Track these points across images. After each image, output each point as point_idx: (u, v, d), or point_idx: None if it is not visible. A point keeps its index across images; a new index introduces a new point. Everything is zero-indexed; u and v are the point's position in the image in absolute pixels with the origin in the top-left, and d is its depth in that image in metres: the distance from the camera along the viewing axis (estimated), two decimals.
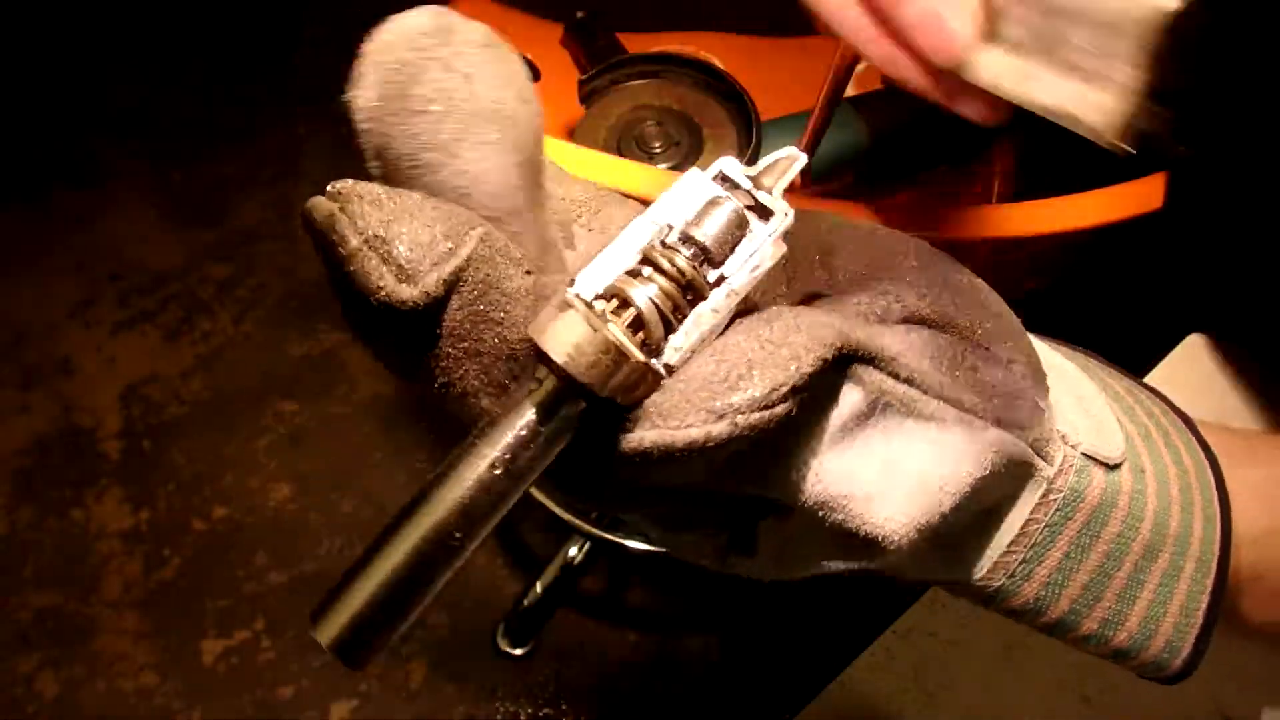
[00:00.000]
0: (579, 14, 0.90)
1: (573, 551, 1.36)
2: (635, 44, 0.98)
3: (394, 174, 0.27)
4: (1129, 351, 0.67)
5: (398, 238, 0.24)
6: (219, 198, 1.82)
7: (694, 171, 0.28)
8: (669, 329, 0.26)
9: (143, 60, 1.99)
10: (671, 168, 0.83)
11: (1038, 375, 0.32)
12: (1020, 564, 0.33)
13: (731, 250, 0.27)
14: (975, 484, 0.29)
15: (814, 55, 1.08)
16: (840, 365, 0.27)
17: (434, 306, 0.25)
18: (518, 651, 1.37)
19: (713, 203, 0.27)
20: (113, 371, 1.63)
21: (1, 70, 1.95)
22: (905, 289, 0.30)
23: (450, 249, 0.25)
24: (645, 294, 0.25)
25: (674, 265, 0.26)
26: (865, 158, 0.94)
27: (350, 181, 0.25)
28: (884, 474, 0.28)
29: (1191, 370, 0.64)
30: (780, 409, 0.25)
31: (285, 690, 1.35)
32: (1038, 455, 0.31)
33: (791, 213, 0.27)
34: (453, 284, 0.25)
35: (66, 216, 1.80)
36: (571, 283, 0.26)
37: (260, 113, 1.91)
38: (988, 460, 0.29)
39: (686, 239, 0.27)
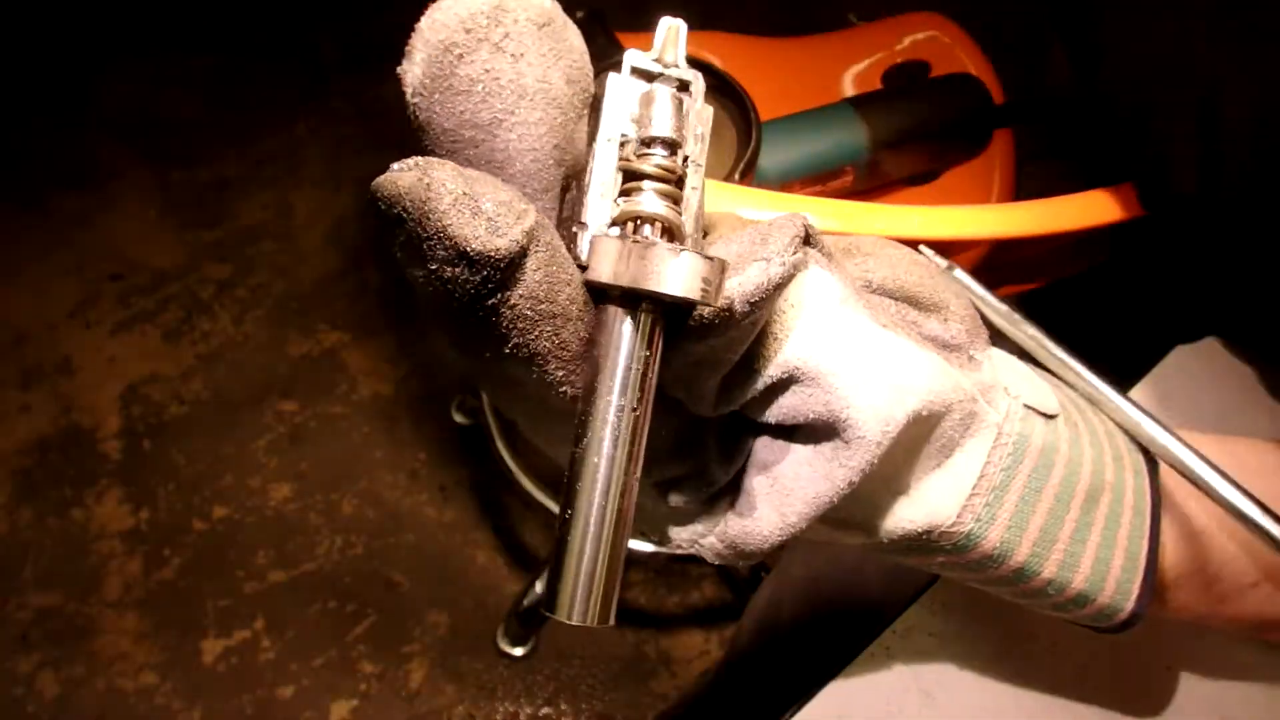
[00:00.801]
0: (579, 14, 0.91)
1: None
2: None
3: (436, 147, 0.29)
4: (1129, 351, 0.67)
5: (482, 196, 0.26)
6: (219, 198, 1.83)
7: (613, 77, 0.29)
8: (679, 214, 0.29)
9: (143, 60, 1.99)
10: None
11: (974, 331, 0.36)
12: (984, 506, 0.36)
13: (685, 127, 0.29)
14: (930, 399, 0.32)
15: (814, 55, 1.08)
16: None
17: (518, 259, 0.26)
18: (518, 651, 1.37)
19: (648, 97, 0.29)
20: (113, 371, 1.63)
21: (1, 70, 1.95)
22: (867, 259, 0.35)
23: (525, 209, 0.26)
24: (657, 205, 0.28)
25: (658, 168, 0.28)
26: (864, 157, 0.94)
27: (417, 157, 0.27)
28: (861, 364, 0.31)
29: (1193, 371, 0.64)
30: (799, 256, 0.29)
31: (285, 690, 1.35)
32: (984, 400, 0.35)
33: (700, 75, 0.30)
34: (528, 243, 0.26)
35: (66, 217, 1.80)
36: (583, 225, 0.29)
37: (260, 113, 1.91)
38: (938, 378, 0.33)
39: (649, 141, 0.29)
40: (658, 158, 0.29)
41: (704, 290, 0.26)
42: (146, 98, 1.95)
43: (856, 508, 0.35)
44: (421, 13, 0.30)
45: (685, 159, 0.29)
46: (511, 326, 0.27)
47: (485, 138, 0.29)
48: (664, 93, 0.29)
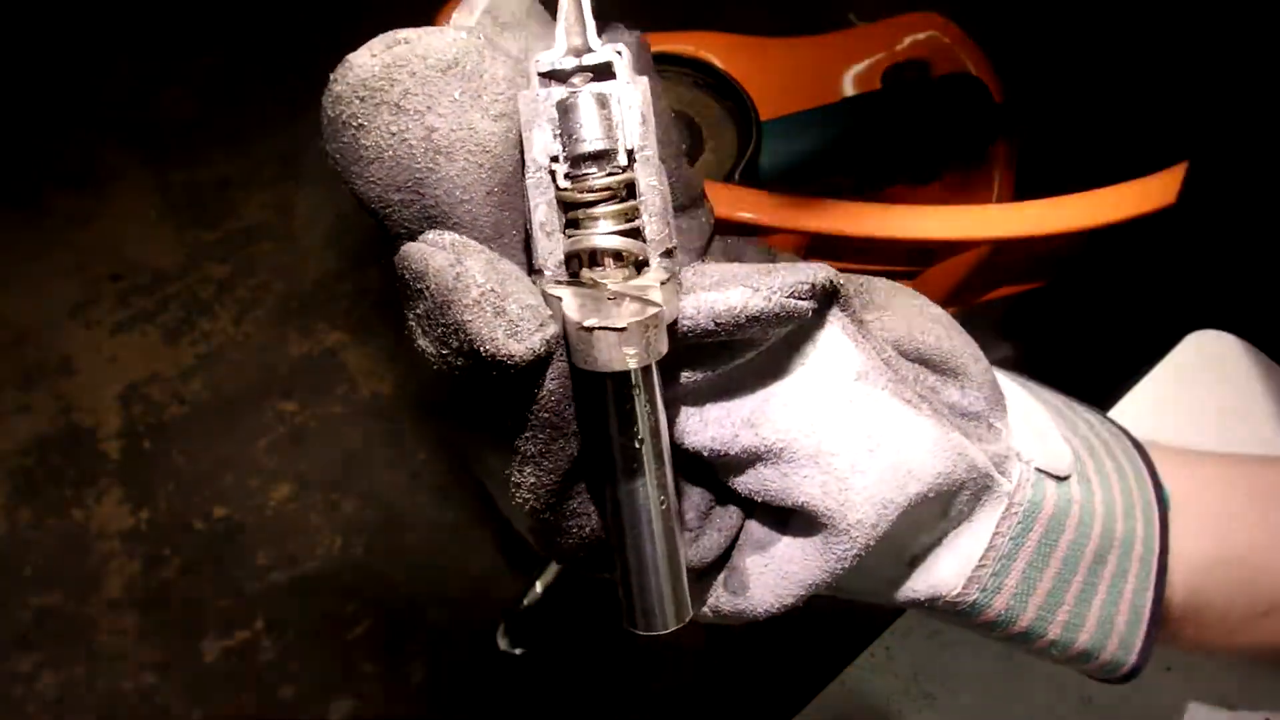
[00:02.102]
0: None
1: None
2: None
3: (371, 214, 0.28)
4: (1129, 351, 0.67)
5: (510, 296, 0.25)
6: (219, 198, 1.82)
7: (522, 96, 0.27)
8: (639, 233, 0.27)
9: (142, 60, 1.99)
10: None
11: (993, 400, 0.34)
12: (991, 576, 0.34)
13: (616, 126, 0.26)
14: (939, 482, 0.31)
15: (814, 55, 1.08)
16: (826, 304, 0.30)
17: (535, 369, 0.25)
18: (518, 651, 1.37)
19: (565, 107, 0.26)
20: (113, 371, 1.63)
21: (1, 70, 1.95)
22: (881, 314, 0.33)
23: (550, 316, 0.25)
24: (604, 237, 0.26)
25: (598, 192, 0.26)
26: (863, 157, 0.94)
27: (454, 236, 0.26)
28: (866, 446, 0.30)
29: (1196, 366, 0.64)
30: (804, 305, 0.27)
31: (285, 690, 1.35)
32: (997, 471, 0.34)
33: (620, 45, 0.27)
34: (547, 352, 0.25)
35: (66, 217, 1.80)
36: (538, 271, 0.27)
37: (260, 113, 1.91)
38: (951, 460, 0.31)
39: (579, 159, 0.26)
40: (593, 178, 0.26)
41: (632, 356, 0.24)
42: (146, 98, 1.95)
43: (857, 580, 0.33)
44: (406, 20, 0.30)
45: (629, 155, 0.27)
46: (512, 425, 0.27)
47: (412, 198, 0.27)
48: (582, 99, 0.26)
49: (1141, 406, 0.63)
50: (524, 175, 0.27)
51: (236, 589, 1.42)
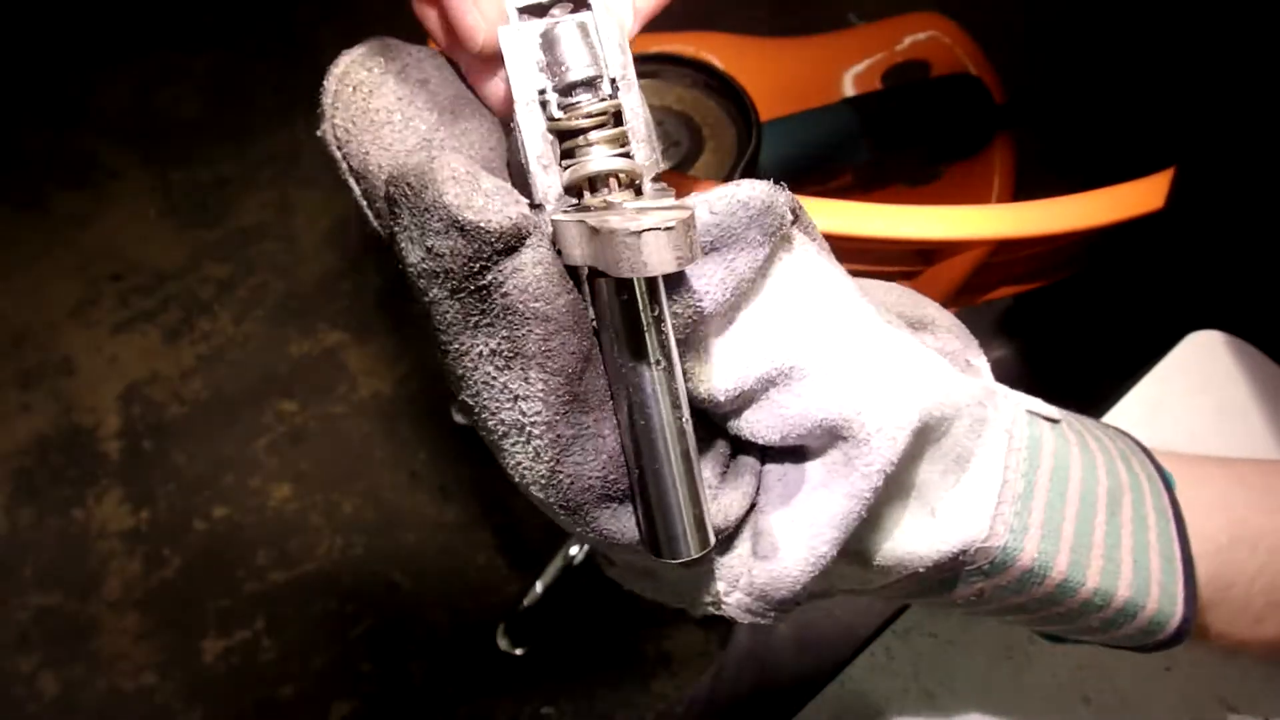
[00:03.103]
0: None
1: (573, 551, 1.36)
2: (635, 44, 0.98)
3: (376, 187, 0.29)
4: (1129, 351, 0.67)
5: (482, 177, 0.26)
6: (219, 198, 1.82)
7: (503, 31, 0.27)
8: (629, 158, 0.27)
9: (142, 60, 1.99)
10: (671, 168, 0.83)
11: (966, 340, 0.36)
12: (1014, 515, 0.34)
13: (599, 55, 0.27)
14: (940, 400, 0.31)
15: (814, 55, 1.08)
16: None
17: (513, 241, 0.25)
18: (518, 651, 1.37)
19: (549, 39, 0.27)
20: (113, 371, 1.63)
21: (1, 70, 1.95)
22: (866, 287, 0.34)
23: (523, 200, 0.26)
24: (604, 161, 0.27)
25: (591, 117, 0.27)
26: (864, 158, 0.94)
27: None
28: (873, 358, 0.30)
29: (1196, 367, 0.64)
30: (781, 196, 0.28)
31: (285, 690, 1.35)
32: (989, 402, 0.34)
33: None
34: (526, 234, 0.26)
35: (66, 216, 1.80)
36: (538, 206, 0.27)
37: (260, 113, 1.91)
38: (945, 381, 0.32)
39: (569, 88, 0.27)
40: (586, 104, 0.27)
41: (679, 259, 0.24)
42: (146, 97, 1.95)
43: (883, 536, 0.33)
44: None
45: (613, 84, 0.28)
46: (501, 316, 0.26)
47: (422, 159, 0.28)
48: (565, 27, 0.27)
49: (1141, 406, 0.63)
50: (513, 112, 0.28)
51: (236, 589, 1.42)
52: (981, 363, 0.36)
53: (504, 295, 0.26)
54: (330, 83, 0.29)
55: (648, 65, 0.88)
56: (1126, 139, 0.91)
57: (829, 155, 0.93)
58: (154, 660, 1.37)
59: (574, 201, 0.27)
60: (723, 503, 0.31)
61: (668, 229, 0.24)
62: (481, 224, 0.25)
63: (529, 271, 0.26)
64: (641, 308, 0.27)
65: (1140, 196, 0.66)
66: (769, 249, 0.29)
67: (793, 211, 0.30)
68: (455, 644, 1.39)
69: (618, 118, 0.28)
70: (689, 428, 0.28)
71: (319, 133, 0.30)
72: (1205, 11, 0.71)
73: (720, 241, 0.28)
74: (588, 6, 0.28)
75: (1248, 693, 0.54)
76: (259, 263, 1.75)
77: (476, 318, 0.27)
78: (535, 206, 0.27)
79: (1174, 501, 0.39)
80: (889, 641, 0.56)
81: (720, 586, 0.32)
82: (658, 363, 0.27)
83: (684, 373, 0.29)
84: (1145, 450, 0.41)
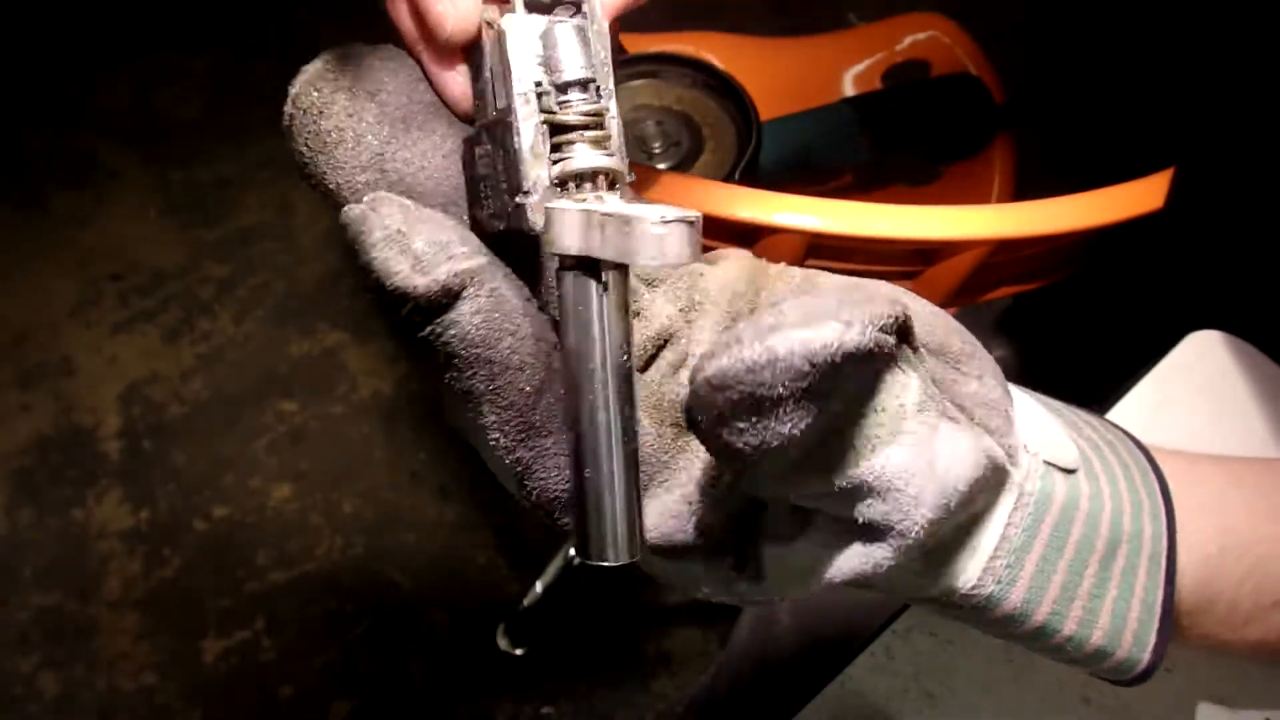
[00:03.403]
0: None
1: (573, 551, 1.36)
2: (635, 44, 0.98)
3: (341, 201, 0.30)
4: (1129, 351, 0.67)
5: (417, 235, 0.26)
6: (219, 198, 1.82)
7: (509, 19, 0.28)
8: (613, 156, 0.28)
9: (142, 60, 1.99)
10: (671, 168, 0.83)
11: (1004, 387, 0.35)
12: (1005, 568, 0.34)
13: (594, 59, 0.28)
14: (972, 485, 0.31)
15: (814, 55, 1.08)
16: (899, 338, 0.28)
17: (443, 300, 0.26)
18: (518, 651, 1.37)
19: (550, 38, 0.28)
20: (113, 371, 1.63)
21: (1, 70, 1.95)
22: (919, 325, 0.32)
23: (465, 253, 0.27)
24: (594, 158, 0.28)
25: (585, 116, 0.28)
26: (864, 157, 0.94)
27: (378, 193, 0.28)
28: (927, 476, 0.29)
29: (1196, 367, 0.64)
30: (889, 339, 0.26)
31: (285, 690, 1.35)
32: (1009, 462, 0.34)
33: None
34: (462, 286, 0.26)
35: (66, 216, 1.80)
36: (526, 193, 0.27)
37: (260, 113, 1.91)
38: (982, 462, 0.31)
39: (565, 86, 0.28)
40: (580, 104, 0.28)
41: (693, 252, 0.25)
42: (146, 97, 1.95)
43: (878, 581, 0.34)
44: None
45: (598, 90, 0.28)
46: (447, 361, 0.27)
47: (376, 177, 0.30)
48: (566, 30, 0.28)
49: (1141, 406, 0.63)
50: (498, 92, 0.28)
51: (236, 589, 1.42)
52: (1014, 413, 0.35)
53: (445, 344, 0.27)
54: (287, 106, 0.31)
55: (648, 65, 0.88)
56: (1126, 139, 0.91)
57: (829, 155, 0.93)
58: (154, 660, 1.37)
59: (559, 193, 0.28)
60: (718, 539, 0.32)
61: (690, 223, 0.25)
62: (408, 290, 0.26)
63: (466, 322, 0.27)
64: (614, 295, 0.27)
65: (1140, 196, 0.66)
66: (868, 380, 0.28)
67: (905, 318, 0.28)
68: (455, 644, 1.39)
69: (601, 120, 0.28)
70: (636, 430, 0.29)
71: (291, 154, 0.31)
72: (1205, 11, 0.71)
73: (813, 393, 0.25)
74: (583, 14, 0.29)
75: (1248, 693, 0.54)
76: (259, 263, 1.75)
77: (429, 358, 0.28)
78: (522, 194, 0.28)
79: (1171, 544, 0.39)
80: (889, 641, 0.56)
81: (707, 586, 0.34)
82: (621, 360, 0.28)
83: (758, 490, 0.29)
84: (1159, 476, 0.40)
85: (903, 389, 0.29)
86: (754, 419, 0.25)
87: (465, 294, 0.27)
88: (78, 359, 1.64)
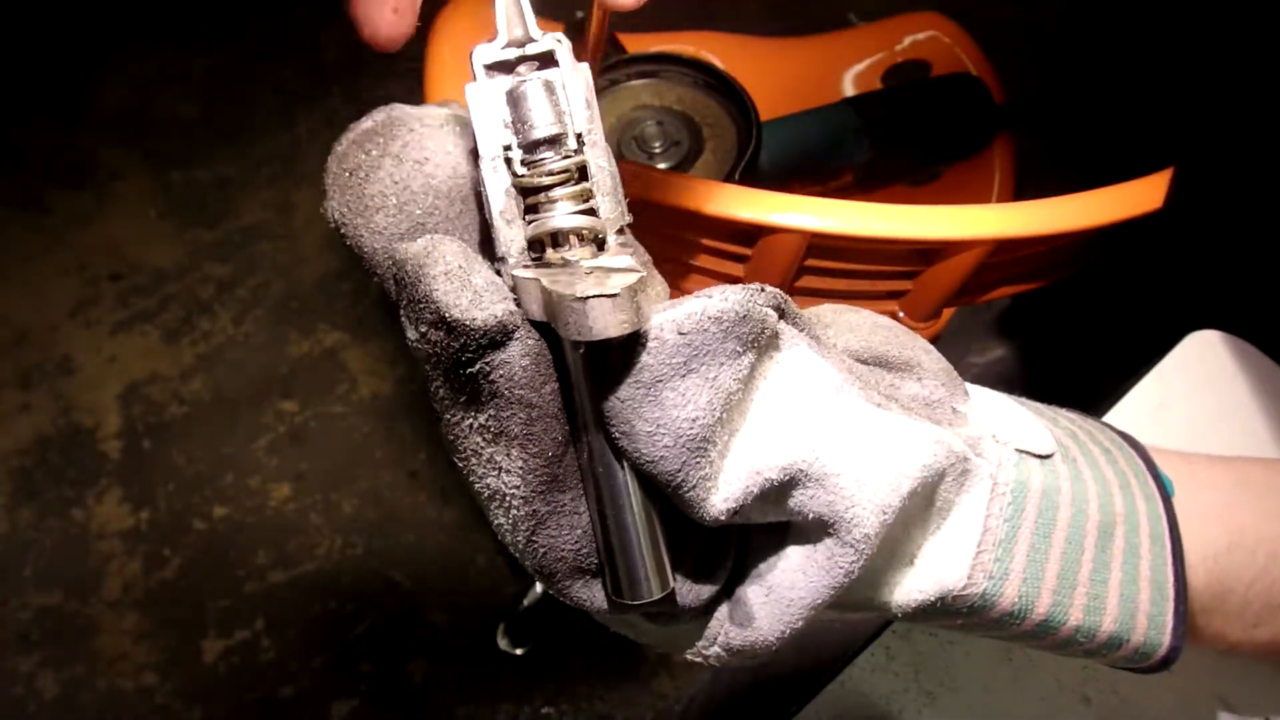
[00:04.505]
0: (579, 14, 0.91)
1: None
2: (635, 44, 0.98)
3: (376, 266, 0.30)
4: (1129, 351, 0.67)
5: (475, 273, 0.27)
6: (219, 198, 1.82)
7: (470, 88, 0.28)
8: (594, 213, 0.28)
9: (142, 60, 1.99)
10: (671, 168, 0.83)
11: (951, 385, 0.36)
12: (995, 562, 0.34)
13: (564, 111, 0.28)
14: (924, 474, 0.32)
15: (814, 55, 1.08)
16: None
17: (498, 336, 0.27)
18: (518, 651, 1.37)
19: (514, 97, 0.27)
20: (113, 371, 1.63)
21: (1, 70, 1.95)
22: (844, 333, 0.35)
23: (511, 296, 0.27)
24: (565, 218, 0.27)
25: (554, 175, 0.27)
26: (864, 158, 0.94)
27: (433, 235, 0.29)
28: (862, 458, 0.30)
29: (1196, 367, 0.64)
30: (760, 302, 0.28)
31: (285, 690, 1.35)
32: (973, 453, 0.34)
33: (560, 35, 0.28)
34: (516, 327, 0.27)
35: (66, 216, 1.80)
36: (502, 259, 0.28)
37: (260, 113, 1.91)
38: (932, 449, 0.32)
39: (532, 145, 0.27)
40: (549, 162, 0.27)
41: (622, 323, 0.25)
42: (146, 98, 1.95)
43: (861, 590, 0.34)
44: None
45: (578, 139, 0.28)
46: (488, 399, 0.28)
47: (419, 250, 0.29)
48: (531, 86, 0.27)
49: (1141, 406, 0.63)
50: (476, 167, 0.28)
51: (236, 589, 1.42)
52: (968, 407, 0.36)
53: (490, 383, 0.27)
54: (331, 162, 0.30)
55: (648, 65, 0.88)
56: (1126, 139, 0.91)
57: (829, 155, 0.93)
58: (154, 660, 1.37)
59: (535, 256, 0.28)
60: (695, 587, 0.32)
61: (611, 296, 0.25)
62: (467, 322, 0.26)
63: (515, 364, 0.27)
64: (587, 368, 0.27)
65: (1140, 196, 0.66)
66: (753, 355, 0.29)
67: (777, 310, 0.30)
68: (455, 644, 1.39)
69: (582, 173, 0.28)
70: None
71: (322, 209, 0.31)
72: (1205, 12, 0.71)
73: (696, 361, 0.27)
74: (555, 64, 0.28)
75: (1248, 693, 0.54)
76: (259, 263, 1.75)
77: (465, 397, 0.28)
78: (499, 260, 0.28)
79: (1172, 523, 0.38)
80: (889, 641, 0.56)
81: (699, 643, 0.34)
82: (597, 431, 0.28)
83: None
84: (1145, 458, 0.40)
85: (810, 371, 0.30)
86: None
87: (517, 335, 0.27)
88: (78, 359, 1.64)
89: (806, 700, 0.54)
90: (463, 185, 0.30)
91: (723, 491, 0.29)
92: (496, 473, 0.29)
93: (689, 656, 0.34)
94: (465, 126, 0.30)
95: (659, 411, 0.27)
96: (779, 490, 0.30)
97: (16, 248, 1.76)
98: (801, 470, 0.30)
